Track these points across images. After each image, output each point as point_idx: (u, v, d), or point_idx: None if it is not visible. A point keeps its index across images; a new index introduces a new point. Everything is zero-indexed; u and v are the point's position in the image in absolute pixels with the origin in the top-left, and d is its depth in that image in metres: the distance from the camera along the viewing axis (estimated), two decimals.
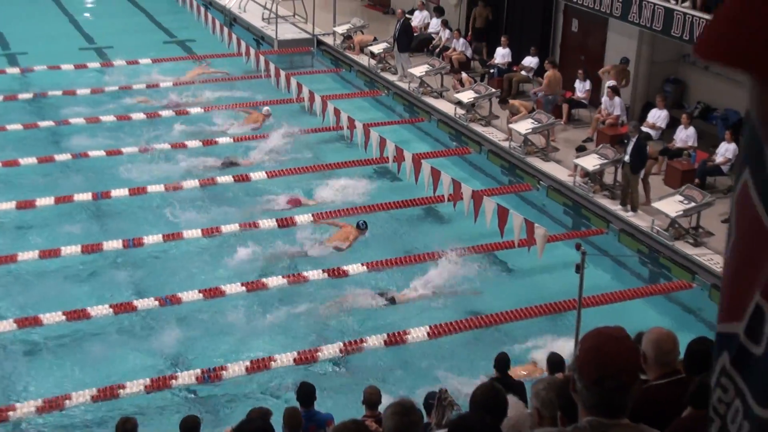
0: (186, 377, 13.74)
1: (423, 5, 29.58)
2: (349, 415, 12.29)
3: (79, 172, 20.72)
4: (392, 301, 15.92)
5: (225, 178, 20.28)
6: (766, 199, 1.38)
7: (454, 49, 26.72)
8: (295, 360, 14.18)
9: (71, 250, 17.11)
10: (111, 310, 15.24)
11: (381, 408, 10.39)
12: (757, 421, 1.39)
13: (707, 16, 18.91)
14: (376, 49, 27.28)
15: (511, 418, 6.15)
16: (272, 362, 14.08)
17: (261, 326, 15.34)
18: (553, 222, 18.97)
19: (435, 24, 28.51)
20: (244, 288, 16.04)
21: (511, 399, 6.65)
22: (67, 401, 13.06)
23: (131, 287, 16.40)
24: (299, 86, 23.29)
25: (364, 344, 14.58)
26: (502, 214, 16.30)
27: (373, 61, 27.31)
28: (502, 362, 11.71)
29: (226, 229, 18.04)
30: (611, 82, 21.92)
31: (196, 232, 17.88)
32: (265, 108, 23.69)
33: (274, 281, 16.29)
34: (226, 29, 28.46)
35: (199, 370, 13.87)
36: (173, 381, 13.65)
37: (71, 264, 16.95)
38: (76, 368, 14.11)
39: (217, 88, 25.99)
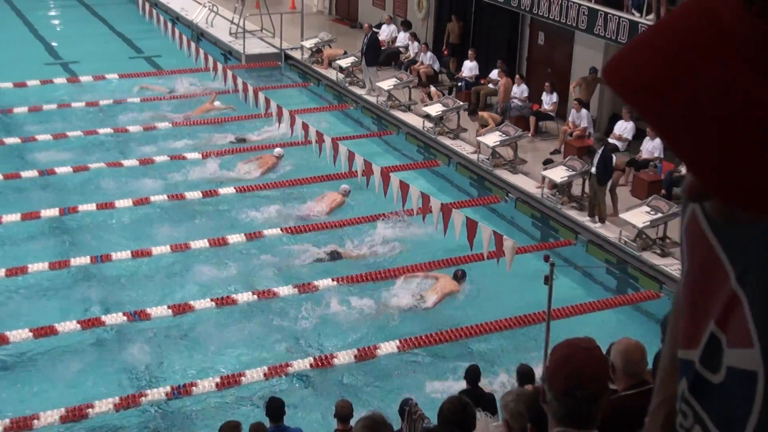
0: (156, 394, 13.63)
1: (390, 19, 29.67)
2: (320, 429, 12.31)
3: (46, 189, 20.58)
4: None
5: (194, 194, 20.21)
6: (716, 227, 1.39)
7: (422, 63, 26.82)
8: (265, 375, 14.12)
9: (38, 266, 16.96)
10: (79, 326, 15.11)
11: (353, 422, 10.38)
12: None
13: None
14: (344, 63, 27.32)
15: None
16: (242, 377, 14.03)
17: (231, 341, 15.26)
18: (521, 234, 19.05)
19: (403, 38, 28.60)
20: (213, 303, 15.97)
21: (480, 415, 6.66)
22: (35, 421, 12.90)
23: (99, 303, 16.26)
24: (267, 101, 23.24)
25: (335, 359, 14.56)
26: (471, 227, 16.33)
27: (341, 75, 27.35)
28: (473, 374, 11.73)
29: (194, 245, 17.97)
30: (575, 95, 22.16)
31: (165, 248, 17.79)
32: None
33: (244, 297, 16.24)
34: (193, 44, 28.38)
35: (169, 387, 13.77)
36: (143, 398, 13.54)
37: (38, 280, 16.80)
38: (44, 387, 13.96)
39: (188, 104, 25.95)
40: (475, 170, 21.76)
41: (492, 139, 21.37)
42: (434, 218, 17.25)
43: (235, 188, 20.55)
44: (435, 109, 23.41)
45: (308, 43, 29.21)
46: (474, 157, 21.83)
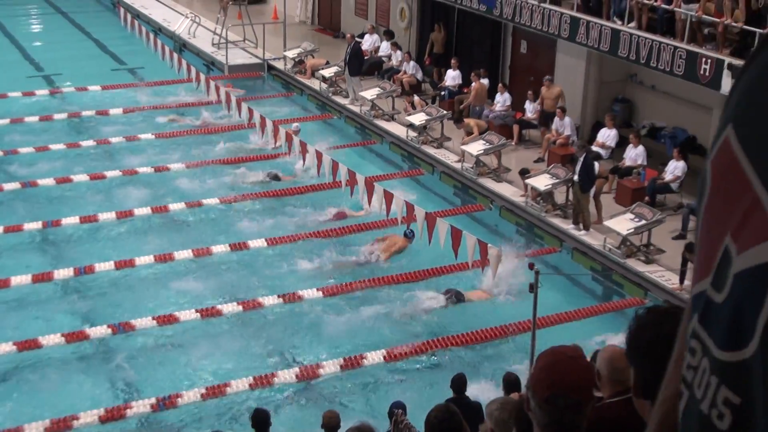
0: (141, 405, 13.56)
1: (373, 29, 29.71)
2: None
3: (28, 201, 20.49)
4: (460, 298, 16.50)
5: (177, 206, 20.16)
6: (746, 142, 1.41)
7: (405, 72, 26.85)
8: (250, 385, 14.08)
9: (21, 279, 16.88)
10: (63, 339, 15.04)
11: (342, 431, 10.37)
12: (718, 366, 1.41)
13: (653, 37, 19.21)
14: (327, 72, 27.34)
15: None
16: (227, 388, 13.98)
17: (216, 352, 15.22)
18: (506, 242, 19.05)
19: (385, 47, 28.63)
20: (198, 314, 15.93)
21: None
22: None
23: (84, 315, 16.19)
24: (250, 111, 23.22)
25: (321, 369, 14.53)
26: (456, 236, 16.34)
27: (324, 85, 27.36)
28: (459, 382, 11.73)
29: (179, 255, 17.93)
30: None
31: (148, 259, 17.74)
32: (295, 124, 23.62)
33: (229, 307, 16.20)
34: (176, 55, 28.35)
35: (154, 398, 13.71)
36: (128, 410, 13.47)
37: (21, 293, 16.71)
38: (28, 399, 13.88)
39: (165, 115, 25.93)
40: (459, 179, 21.78)
41: (476, 147, 21.41)
42: (418, 227, 17.25)
43: (219, 199, 20.52)
44: (418, 119, 23.44)
45: (291, 53, 29.22)
46: (458, 165, 21.86)
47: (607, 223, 17.92)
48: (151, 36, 30.20)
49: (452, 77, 25.57)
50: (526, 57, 25.35)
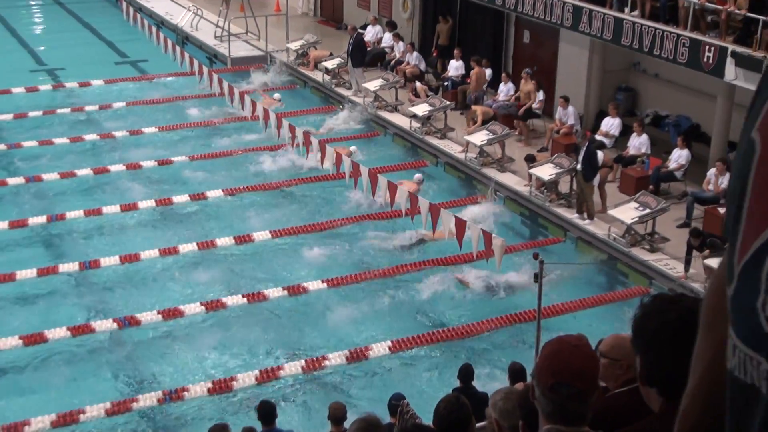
0: (147, 399, 13.59)
1: (375, 20, 29.66)
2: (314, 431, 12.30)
3: (32, 195, 20.52)
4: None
5: (181, 198, 20.18)
6: None
7: (408, 63, 26.80)
8: (257, 378, 14.10)
9: (26, 273, 16.91)
10: (69, 333, 15.07)
11: (347, 424, 10.38)
12: None
13: (655, 25, 19.16)
14: (330, 64, 27.31)
15: None
16: (234, 381, 14.00)
17: (222, 345, 15.24)
18: (510, 232, 19.05)
19: (388, 38, 28.58)
20: (203, 308, 15.94)
21: None
22: (27, 427, 12.86)
23: (89, 309, 16.22)
24: (253, 104, 23.22)
25: (327, 361, 14.54)
26: (460, 226, 16.33)
27: (327, 77, 27.33)
28: (466, 372, 11.73)
29: (183, 248, 17.94)
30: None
31: (153, 253, 17.76)
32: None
33: (234, 300, 16.21)
34: (178, 48, 28.32)
35: (160, 392, 13.74)
36: (134, 403, 13.50)
37: (27, 288, 16.75)
38: (35, 393, 13.93)
39: (168, 108, 25.95)
40: (463, 169, 21.76)
41: (479, 137, 21.39)
42: (422, 218, 17.24)
43: (222, 191, 20.52)
44: (422, 109, 23.42)
45: (294, 45, 29.19)
46: (462, 156, 21.84)
47: (612, 212, 17.90)
48: (154, 29, 30.19)
49: (455, 67, 25.53)
50: (529, 47, 25.31)
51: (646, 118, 21.97)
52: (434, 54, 27.26)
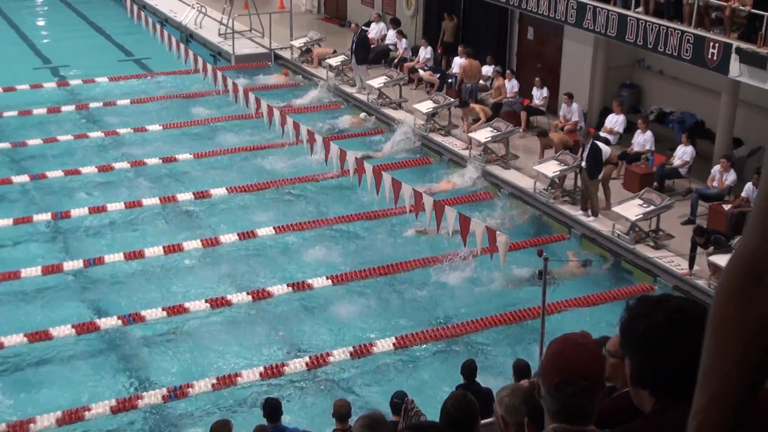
0: (152, 396, 13.62)
1: (379, 17, 29.64)
2: (318, 429, 12.30)
3: (37, 193, 20.55)
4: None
5: (185, 196, 20.19)
6: None
7: (418, 60, 26.74)
8: (261, 375, 14.12)
9: (31, 271, 16.93)
10: (73, 330, 15.09)
11: (351, 421, 10.39)
12: None
13: (660, 22, 19.14)
14: (334, 61, 27.30)
15: None
16: (238, 378, 14.02)
17: (226, 342, 15.27)
18: (514, 229, 19.03)
19: (392, 35, 28.57)
20: (208, 304, 15.95)
21: None
22: (32, 425, 12.89)
23: (94, 306, 16.25)
24: (257, 101, 23.22)
25: (331, 358, 14.56)
26: (464, 223, 16.33)
27: (331, 74, 27.32)
28: (470, 369, 11.74)
29: (187, 245, 17.96)
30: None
31: (157, 250, 17.77)
32: (362, 114, 25.01)
33: (238, 297, 16.22)
34: (182, 45, 28.33)
35: (165, 389, 13.76)
36: (139, 401, 13.52)
37: (32, 285, 16.77)
38: (40, 391, 13.95)
39: (172, 105, 25.97)
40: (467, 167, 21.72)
41: (483, 135, 21.37)
42: (427, 215, 17.25)
43: (226, 188, 20.53)
44: (426, 106, 23.41)
45: (297, 43, 29.18)
46: (466, 153, 21.82)
47: (616, 209, 17.88)
48: (158, 27, 30.21)
49: (459, 64, 25.49)
50: (533, 43, 25.29)
51: (650, 114, 21.94)
52: (439, 51, 27.24)
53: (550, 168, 19.37)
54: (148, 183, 21.04)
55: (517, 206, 19.72)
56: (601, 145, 18.81)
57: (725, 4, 18.38)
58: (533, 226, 19.31)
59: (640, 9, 20.02)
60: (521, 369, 11.32)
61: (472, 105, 22.95)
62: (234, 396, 13.86)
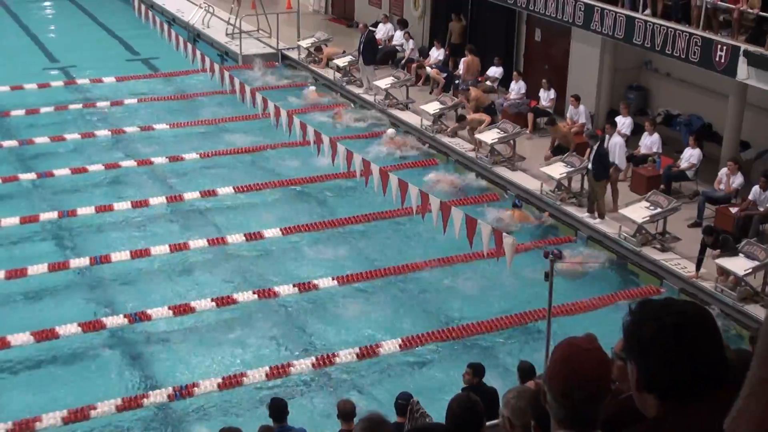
0: (158, 395, 13.63)
1: (387, 18, 29.64)
2: (324, 429, 12.32)
3: (44, 191, 20.59)
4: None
5: (192, 195, 20.21)
6: None
7: (429, 60, 26.76)
8: (267, 375, 14.12)
9: (37, 269, 16.95)
10: (80, 328, 15.11)
11: (356, 420, 10.38)
12: None
13: (668, 24, 19.11)
14: (341, 62, 27.30)
15: None
16: (244, 378, 14.03)
17: (232, 342, 15.28)
18: (521, 231, 19.01)
19: (399, 36, 28.57)
20: (214, 304, 15.97)
21: None
22: (38, 423, 12.92)
23: (100, 305, 16.27)
24: (264, 101, 23.21)
25: (337, 358, 14.56)
26: (471, 224, 16.31)
27: (338, 74, 27.33)
28: (477, 370, 11.73)
29: (194, 244, 17.97)
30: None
31: (164, 248, 17.79)
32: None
33: (244, 296, 16.23)
34: (190, 45, 28.35)
35: (171, 388, 13.78)
36: (145, 399, 13.54)
37: (38, 283, 16.79)
38: (45, 389, 13.98)
39: (179, 105, 25.99)
40: (473, 168, 21.73)
41: (490, 136, 21.37)
42: (433, 216, 17.22)
43: (233, 188, 20.54)
44: (433, 108, 23.40)
45: (305, 43, 29.20)
46: (472, 154, 21.82)
47: (623, 211, 17.87)
48: (165, 26, 30.22)
49: (464, 62, 25.48)
50: (540, 45, 25.27)
51: (657, 117, 21.92)
52: (447, 52, 27.23)
53: (557, 170, 19.36)
54: (155, 182, 21.06)
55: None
56: (617, 138, 18.97)
57: (733, 6, 18.36)
58: (540, 227, 19.29)
59: (647, 11, 20.00)
60: (526, 371, 11.31)
61: (470, 116, 22.82)
62: (240, 396, 13.87)
